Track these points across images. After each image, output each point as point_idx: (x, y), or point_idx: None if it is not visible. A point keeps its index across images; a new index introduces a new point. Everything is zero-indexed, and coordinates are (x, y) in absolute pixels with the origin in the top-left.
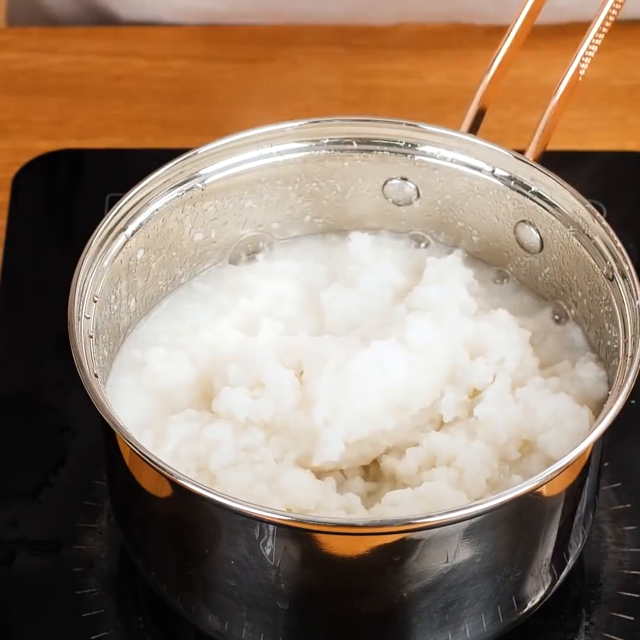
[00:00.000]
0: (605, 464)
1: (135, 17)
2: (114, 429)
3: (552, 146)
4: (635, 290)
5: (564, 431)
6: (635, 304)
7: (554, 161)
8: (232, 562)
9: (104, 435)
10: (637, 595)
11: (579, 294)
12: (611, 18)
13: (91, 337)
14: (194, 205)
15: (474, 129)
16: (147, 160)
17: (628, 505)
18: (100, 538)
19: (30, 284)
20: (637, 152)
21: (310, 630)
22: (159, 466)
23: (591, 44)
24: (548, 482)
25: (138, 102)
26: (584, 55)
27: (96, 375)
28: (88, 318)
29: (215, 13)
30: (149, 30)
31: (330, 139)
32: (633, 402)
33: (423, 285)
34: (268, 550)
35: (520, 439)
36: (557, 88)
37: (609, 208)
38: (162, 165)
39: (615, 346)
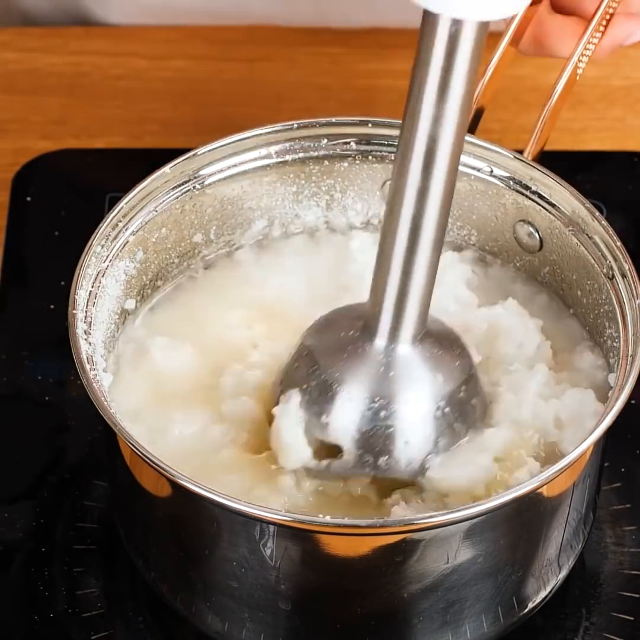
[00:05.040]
0: (605, 464)
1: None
2: (115, 429)
3: (552, 146)
4: (636, 289)
5: (580, 427)
6: (635, 303)
7: (554, 161)
8: (233, 562)
9: (105, 436)
10: (637, 595)
11: (579, 293)
12: (608, 17)
13: (91, 337)
14: (193, 205)
15: (472, 129)
16: (147, 160)
17: (628, 505)
18: (100, 538)
19: (30, 284)
20: (637, 152)
21: (311, 631)
22: (159, 466)
23: (588, 42)
24: (549, 482)
25: (138, 102)
26: (582, 54)
27: (96, 375)
28: (88, 318)
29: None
30: (149, 30)
31: (328, 139)
32: (633, 402)
33: None
34: (268, 551)
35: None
36: (555, 87)
37: (609, 208)
38: (161, 166)
39: (615, 345)
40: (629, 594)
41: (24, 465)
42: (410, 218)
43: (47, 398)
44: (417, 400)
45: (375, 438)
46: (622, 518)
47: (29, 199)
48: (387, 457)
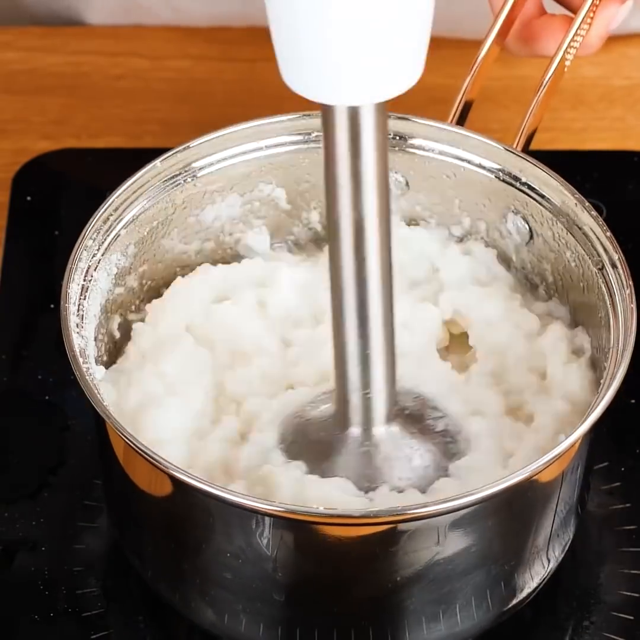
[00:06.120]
0: (605, 464)
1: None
2: (108, 421)
3: (552, 146)
4: (627, 279)
5: None
6: (625, 292)
7: (554, 161)
8: (228, 554)
9: (97, 431)
10: (637, 595)
11: (569, 283)
12: (594, 8)
13: (83, 330)
14: (183, 199)
15: (460, 122)
16: (147, 160)
17: (628, 505)
18: (100, 538)
19: (30, 284)
20: (637, 152)
21: (307, 620)
22: (152, 458)
23: (576, 34)
24: (539, 473)
25: (138, 102)
26: (569, 46)
27: (88, 368)
28: (80, 312)
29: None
30: (149, 30)
31: (318, 133)
32: (633, 401)
33: None
34: (264, 542)
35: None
36: (543, 80)
37: (609, 208)
38: (146, 164)
39: (605, 334)
40: (628, 594)
41: (24, 465)
42: (354, 305)
43: (47, 398)
44: (401, 478)
45: None
46: (622, 518)
47: (29, 199)
48: None
